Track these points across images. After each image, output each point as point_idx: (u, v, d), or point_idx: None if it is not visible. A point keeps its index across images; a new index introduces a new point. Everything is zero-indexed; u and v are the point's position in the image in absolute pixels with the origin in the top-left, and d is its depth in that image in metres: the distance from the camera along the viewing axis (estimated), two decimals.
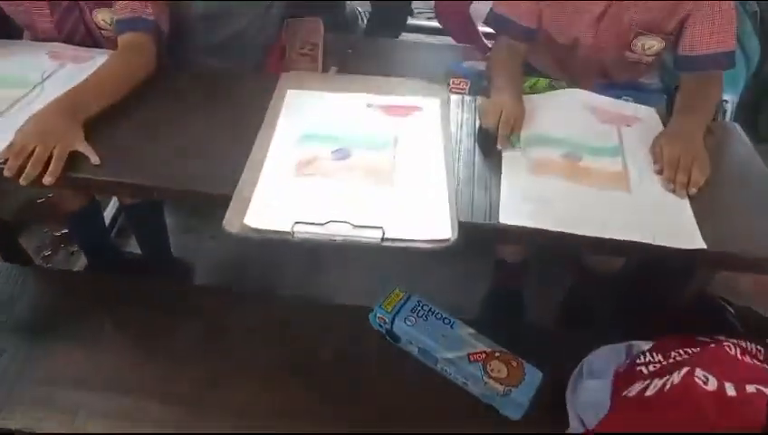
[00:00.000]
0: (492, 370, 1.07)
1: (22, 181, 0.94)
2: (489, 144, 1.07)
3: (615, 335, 1.12)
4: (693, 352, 0.81)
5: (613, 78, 1.36)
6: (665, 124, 1.15)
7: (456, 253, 0.87)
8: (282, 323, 1.28)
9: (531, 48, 1.31)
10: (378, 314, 1.15)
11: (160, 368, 1.20)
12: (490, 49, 1.47)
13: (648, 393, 0.76)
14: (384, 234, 0.86)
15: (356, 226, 0.88)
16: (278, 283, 1.67)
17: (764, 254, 0.90)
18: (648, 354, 0.87)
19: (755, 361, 0.79)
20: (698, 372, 0.71)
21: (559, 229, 0.90)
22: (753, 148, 1.13)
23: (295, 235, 0.86)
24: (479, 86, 1.41)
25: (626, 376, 0.90)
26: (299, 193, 0.95)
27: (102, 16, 1.25)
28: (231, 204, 0.91)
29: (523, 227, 0.91)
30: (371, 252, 0.87)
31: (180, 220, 1.80)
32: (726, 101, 1.52)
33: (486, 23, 1.35)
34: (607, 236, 0.90)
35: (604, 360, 1.02)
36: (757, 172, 1.08)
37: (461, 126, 1.14)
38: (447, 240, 0.87)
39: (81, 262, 1.74)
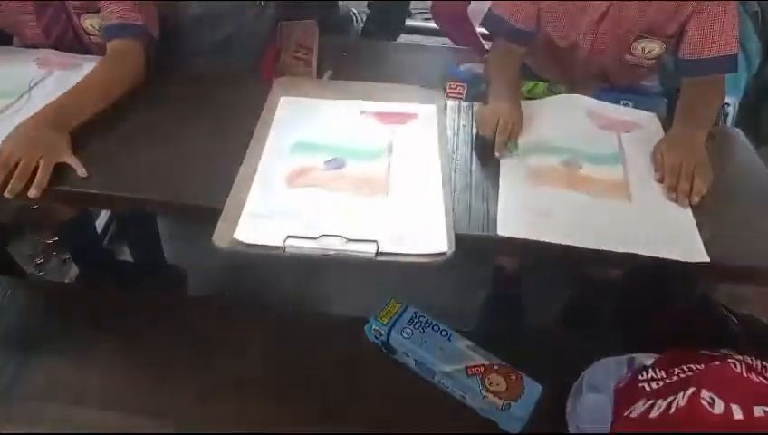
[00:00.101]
0: (490, 383, 1.04)
1: (6, 194, 0.91)
2: (486, 152, 1.04)
3: (616, 344, 1.10)
4: (697, 368, 0.79)
5: (613, 81, 1.34)
6: (665, 129, 1.13)
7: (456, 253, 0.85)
8: (276, 335, 1.25)
9: (529, 51, 1.29)
10: (373, 327, 1.12)
11: (153, 382, 1.17)
12: (488, 51, 1.44)
13: (653, 415, 0.73)
14: (378, 248, 0.84)
15: (350, 239, 0.85)
16: (273, 290, 1.64)
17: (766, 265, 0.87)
18: (650, 370, 0.85)
19: (761, 378, 0.76)
20: (704, 393, 0.69)
21: (558, 242, 0.88)
22: (755, 154, 1.11)
23: (287, 249, 0.84)
24: (477, 90, 1.39)
25: (627, 392, 0.88)
26: (291, 205, 0.92)
27: (90, 22, 1.22)
28: (221, 217, 0.89)
29: (521, 240, 0.89)
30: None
31: (173, 226, 1.77)
32: (728, 104, 1.50)
33: (484, 24, 1.33)
34: (607, 249, 0.87)
35: (604, 373, 0.99)
36: (760, 180, 1.06)
37: (458, 133, 1.12)
38: (444, 254, 0.85)
39: (73, 270, 1.71)
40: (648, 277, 1.10)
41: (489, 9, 1.25)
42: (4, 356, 1.18)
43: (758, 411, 0.67)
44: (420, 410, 1.10)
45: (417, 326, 1.11)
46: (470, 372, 1.06)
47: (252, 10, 1.45)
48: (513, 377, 1.06)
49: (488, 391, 1.04)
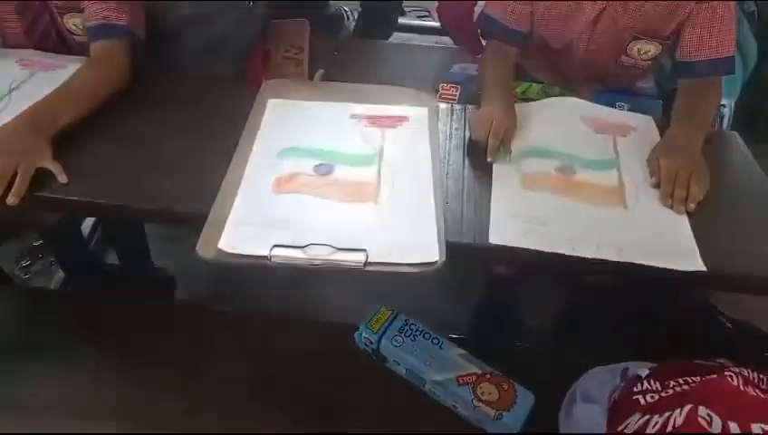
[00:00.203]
0: (482, 393, 1.02)
1: None
2: (479, 156, 1.02)
3: (609, 351, 1.08)
4: (693, 381, 0.77)
5: (608, 83, 1.32)
6: (661, 133, 1.11)
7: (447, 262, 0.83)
8: (266, 342, 1.23)
9: (523, 52, 1.27)
10: (363, 334, 1.10)
11: (140, 391, 1.15)
12: None
13: (649, 431, 0.71)
14: (367, 257, 0.82)
15: (338, 249, 0.83)
16: (263, 293, 1.62)
17: (765, 274, 0.86)
18: (645, 382, 0.83)
19: (758, 391, 0.75)
20: (701, 410, 0.67)
21: (552, 250, 0.86)
22: (753, 158, 1.09)
23: (273, 259, 0.81)
24: (470, 91, 1.36)
25: (622, 404, 0.86)
26: (278, 213, 0.89)
27: (74, 21, 1.19)
28: (205, 226, 0.86)
29: (513, 248, 0.87)
30: None
31: (161, 229, 1.74)
32: (724, 106, 1.49)
33: (478, 24, 1.30)
34: (602, 258, 0.85)
35: (598, 383, 0.97)
36: (758, 185, 1.04)
37: (450, 137, 1.09)
38: (435, 263, 0.83)
39: (60, 273, 1.68)
40: (643, 284, 1.08)
41: (482, 9, 1.23)
42: None
43: (756, 429, 0.65)
44: (411, 419, 1.08)
45: (407, 334, 1.09)
46: (461, 381, 1.04)
47: (240, 10, 1.41)
48: (506, 386, 1.04)
49: (480, 400, 1.02)
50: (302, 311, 1.55)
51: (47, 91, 1.04)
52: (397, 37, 2.27)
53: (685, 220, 0.93)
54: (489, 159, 1.01)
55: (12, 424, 1.07)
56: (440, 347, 1.08)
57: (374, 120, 1.10)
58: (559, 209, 0.94)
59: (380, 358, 1.12)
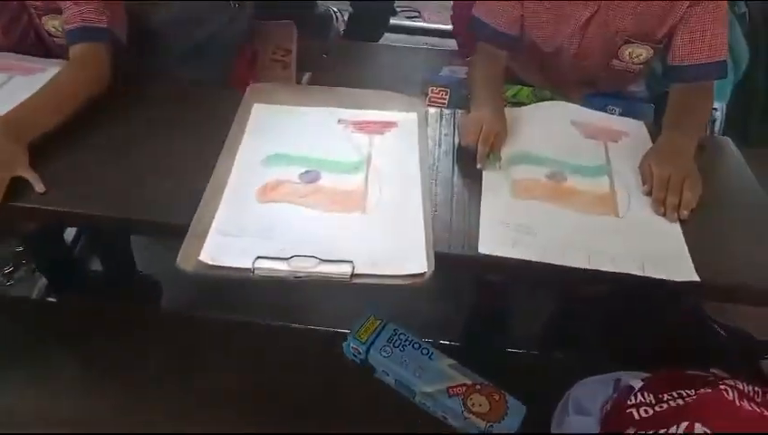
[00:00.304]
0: (473, 404, 1.00)
1: None
2: (469, 163, 1.00)
3: (601, 360, 1.07)
4: (687, 394, 0.76)
5: (599, 87, 1.30)
6: (653, 138, 1.09)
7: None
8: (253, 351, 1.21)
9: (513, 55, 1.25)
10: (351, 345, 1.08)
11: (124, 401, 1.12)
12: None
13: None
14: (354, 269, 0.79)
15: (323, 260, 0.80)
16: (251, 298, 1.59)
17: (760, 284, 0.84)
18: (638, 395, 0.81)
19: (753, 405, 0.73)
20: (698, 427, 0.66)
21: (542, 261, 0.84)
22: (746, 165, 1.07)
23: (256, 271, 0.79)
24: (460, 94, 1.35)
25: (615, 416, 0.85)
26: (262, 223, 0.87)
27: (53, 23, 1.16)
28: (186, 236, 0.83)
29: (503, 258, 0.85)
30: None
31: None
32: (716, 109, 1.48)
33: (467, 27, 1.28)
34: (593, 268, 0.83)
35: (590, 394, 0.96)
36: (751, 192, 1.02)
37: (439, 143, 1.07)
38: (423, 275, 0.80)
39: (44, 279, 1.64)
40: (634, 292, 1.06)
41: (472, 12, 1.20)
42: None
43: None
44: (401, 430, 1.06)
45: (396, 344, 1.07)
46: (451, 393, 1.02)
47: (226, 11, 1.39)
48: (497, 397, 1.02)
49: (470, 412, 1.00)
50: (292, 316, 1.53)
51: (26, 95, 1.01)
52: (386, 38, 2.24)
53: (677, 228, 0.91)
54: (479, 166, 0.99)
55: None
56: (430, 357, 1.06)
57: (361, 126, 1.07)
58: (549, 218, 0.92)
59: (369, 368, 1.09)
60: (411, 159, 1.00)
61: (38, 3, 1.14)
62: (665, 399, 0.76)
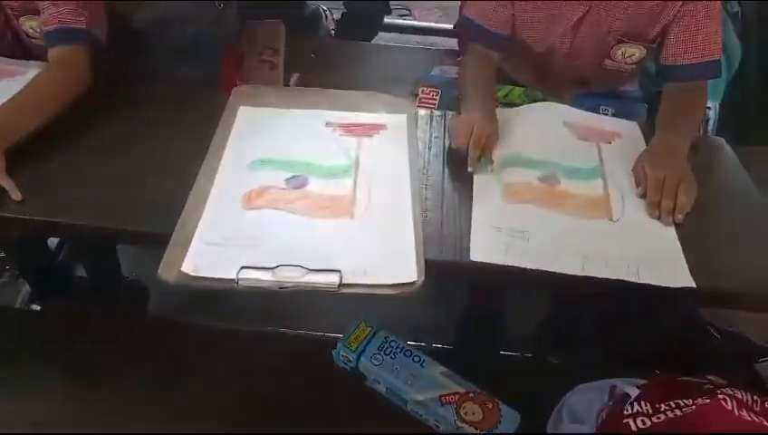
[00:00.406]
0: (465, 413, 0.98)
1: None
2: (460, 166, 0.98)
3: (596, 364, 1.06)
4: (685, 404, 0.74)
5: (592, 87, 1.28)
6: (647, 139, 1.07)
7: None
8: (242, 358, 1.18)
9: (504, 55, 1.22)
10: (341, 353, 1.06)
11: (111, 410, 1.09)
12: None
13: None
14: (341, 279, 0.77)
15: (310, 270, 0.78)
16: (240, 302, 1.56)
17: (757, 290, 0.82)
18: (635, 404, 0.80)
19: (752, 415, 0.71)
20: None
21: (535, 268, 0.82)
22: (741, 166, 1.06)
23: (240, 282, 0.76)
24: (450, 95, 1.32)
25: (611, 426, 0.83)
26: (247, 230, 0.84)
27: (30, 24, 1.12)
28: (169, 245, 0.81)
29: (495, 265, 0.82)
30: None
31: None
32: (709, 108, 1.46)
33: (456, 27, 1.26)
34: (587, 275, 0.81)
35: (585, 401, 0.94)
36: (746, 193, 1.01)
37: (429, 146, 1.05)
38: (413, 283, 0.78)
39: (27, 286, 1.61)
40: (629, 297, 1.04)
41: (462, 12, 1.18)
42: None
43: None
44: None
45: (387, 352, 1.05)
46: (444, 401, 1.00)
47: (211, 12, 1.36)
48: (490, 405, 1.00)
49: (463, 420, 0.98)
50: (282, 320, 1.50)
51: (4, 98, 0.98)
52: (376, 37, 2.22)
53: (672, 232, 0.89)
54: (470, 170, 0.97)
55: None
56: (421, 365, 1.04)
57: (350, 129, 1.05)
58: (542, 222, 0.90)
59: (360, 376, 1.07)
60: (401, 163, 0.98)
61: (15, 3, 1.10)
62: (662, 409, 0.74)
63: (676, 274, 0.82)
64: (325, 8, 2.08)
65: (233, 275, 0.77)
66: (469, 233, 0.87)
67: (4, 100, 0.97)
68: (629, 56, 1.15)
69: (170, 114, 1.08)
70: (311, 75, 1.54)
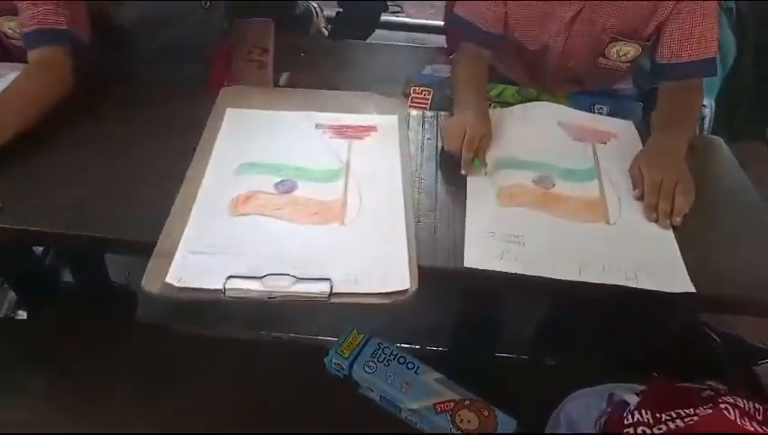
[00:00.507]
0: (461, 421, 0.96)
1: None
2: (453, 169, 0.95)
3: (593, 368, 1.04)
4: (686, 414, 0.72)
5: (586, 85, 1.26)
6: (643, 139, 1.05)
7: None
8: (232, 365, 1.15)
9: (497, 54, 1.20)
10: (334, 360, 1.03)
11: (98, 422, 1.06)
12: None
13: None
14: (332, 288, 0.75)
15: (299, 279, 0.75)
16: (230, 307, 1.53)
17: (757, 295, 0.81)
18: (636, 413, 0.78)
19: (755, 424, 0.70)
20: None
21: (531, 274, 0.80)
22: (738, 166, 1.04)
23: (227, 292, 0.74)
24: (443, 94, 1.30)
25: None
26: (234, 238, 0.82)
27: (9, 25, 1.09)
28: (153, 255, 0.78)
29: (490, 272, 0.80)
30: None
31: None
32: (705, 106, 1.45)
33: (446, 24, 1.23)
34: (584, 281, 0.79)
35: (584, 408, 0.92)
36: (744, 194, 0.99)
37: (421, 148, 1.02)
38: (405, 292, 0.76)
39: (12, 293, 1.57)
40: (627, 302, 1.03)
41: (454, 11, 1.15)
42: None
43: None
44: None
45: (380, 359, 1.02)
46: (439, 409, 0.97)
47: (197, 12, 1.32)
48: (486, 413, 0.98)
49: (459, 429, 0.96)
50: (274, 324, 1.48)
51: None
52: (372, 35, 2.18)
53: (671, 235, 0.87)
54: (463, 172, 0.95)
55: None
56: (416, 372, 1.01)
57: (340, 131, 1.02)
58: (537, 226, 0.88)
59: (353, 384, 1.05)
60: (392, 166, 0.96)
61: None
62: (663, 419, 0.72)
63: (675, 278, 0.80)
64: (316, 5, 2.04)
65: (219, 286, 0.74)
66: (463, 238, 0.85)
67: None
68: (624, 54, 1.13)
69: (156, 116, 1.05)
70: (301, 74, 1.51)
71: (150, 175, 0.92)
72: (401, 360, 1.03)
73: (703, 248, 0.85)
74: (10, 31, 1.10)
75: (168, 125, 1.03)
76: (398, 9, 2.73)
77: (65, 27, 1.03)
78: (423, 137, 1.05)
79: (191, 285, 0.74)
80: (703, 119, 1.44)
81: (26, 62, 1.05)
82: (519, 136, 1.04)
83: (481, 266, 0.80)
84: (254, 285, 0.75)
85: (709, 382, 0.85)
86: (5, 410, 1.08)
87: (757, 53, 1.54)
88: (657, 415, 0.74)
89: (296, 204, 0.88)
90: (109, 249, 1.19)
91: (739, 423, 0.68)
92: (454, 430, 0.96)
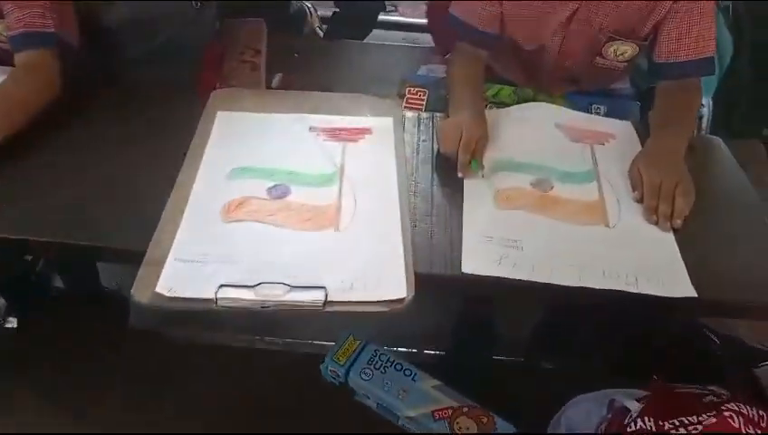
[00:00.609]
0: (459, 428, 0.95)
1: None
2: (449, 171, 0.94)
3: (593, 373, 1.02)
4: (690, 422, 0.71)
5: (583, 85, 1.24)
6: (641, 139, 1.04)
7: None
8: (227, 372, 1.14)
9: (493, 54, 1.18)
10: (330, 367, 1.02)
11: (92, 425, 1.05)
12: None
13: None
14: (327, 296, 0.73)
15: (293, 287, 0.74)
16: (224, 312, 1.52)
17: (758, 299, 0.79)
18: (638, 421, 0.76)
19: (759, 431, 0.68)
20: None
21: (530, 279, 0.78)
22: (738, 166, 1.03)
23: (219, 302, 0.72)
24: (438, 95, 1.28)
25: None
26: (225, 245, 0.80)
27: None
28: (143, 263, 0.76)
29: (488, 277, 0.79)
30: None
31: None
32: (702, 105, 1.43)
33: (433, 25, 1.21)
34: (584, 286, 0.78)
35: (584, 414, 0.91)
36: (744, 194, 0.98)
37: (417, 150, 1.01)
38: (402, 300, 0.74)
39: (2, 299, 1.55)
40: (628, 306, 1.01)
41: (449, 11, 1.14)
42: None
43: None
44: None
45: (377, 366, 1.01)
46: (437, 416, 0.96)
47: (187, 12, 1.30)
48: (485, 419, 0.97)
49: None
50: (270, 328, 1.45)
51: None
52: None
53: (671, 238, 0.86)
54: (460, 175, 0.93)
55: None
56: (413, 379, 1.00)
57: (334, 134, 1.00)
58: (536, 230, 0.86)
59: (349, 391, 1.03)
60: (387, 169, 0.94)
61: None
62: (666, 428, 0.71)
63: (676, 283, 0.79)
64: (309, 5, 2.02)
65: (211, 295, 0.72)
66: (460, 242, 0.83)
67: None
68: (621, 54, 1.12)
69: (145, 119, 1.03)
70: (294, 76, 1.49)
71: (140, 179, 0.90)
72: (398, 367, 1.01)
73: (702, 249, 0.84)
74: None
75: (159, 128, 1.01)
76: (393, 8, 2.71)
77: (53, 30, 1.01)
78: (419, 139, 1.03)
79: (182, 295, 0.72)
80: (701, 118, 1.42)
81: (13, 65, 1.03)
82: (516, 137, 1.02)
83: (479, 272, 0.79)
84: (247, 295, 0.73)
85: (711, 387, 0.84)
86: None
87: (754, 52, 1.53)
88: (661, 423, 0.73)
89: (289, 209, 0.86)
90: (97, 258, 1.17)
91: (744, 431, 0.67)
92: None
